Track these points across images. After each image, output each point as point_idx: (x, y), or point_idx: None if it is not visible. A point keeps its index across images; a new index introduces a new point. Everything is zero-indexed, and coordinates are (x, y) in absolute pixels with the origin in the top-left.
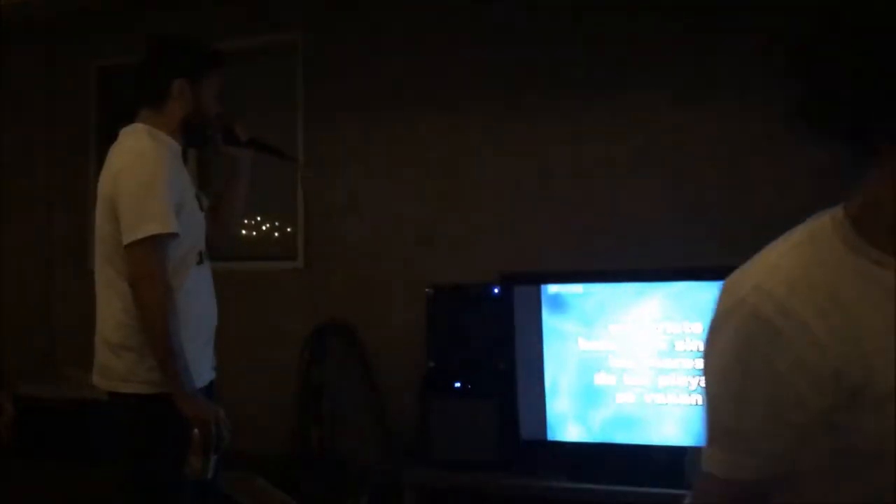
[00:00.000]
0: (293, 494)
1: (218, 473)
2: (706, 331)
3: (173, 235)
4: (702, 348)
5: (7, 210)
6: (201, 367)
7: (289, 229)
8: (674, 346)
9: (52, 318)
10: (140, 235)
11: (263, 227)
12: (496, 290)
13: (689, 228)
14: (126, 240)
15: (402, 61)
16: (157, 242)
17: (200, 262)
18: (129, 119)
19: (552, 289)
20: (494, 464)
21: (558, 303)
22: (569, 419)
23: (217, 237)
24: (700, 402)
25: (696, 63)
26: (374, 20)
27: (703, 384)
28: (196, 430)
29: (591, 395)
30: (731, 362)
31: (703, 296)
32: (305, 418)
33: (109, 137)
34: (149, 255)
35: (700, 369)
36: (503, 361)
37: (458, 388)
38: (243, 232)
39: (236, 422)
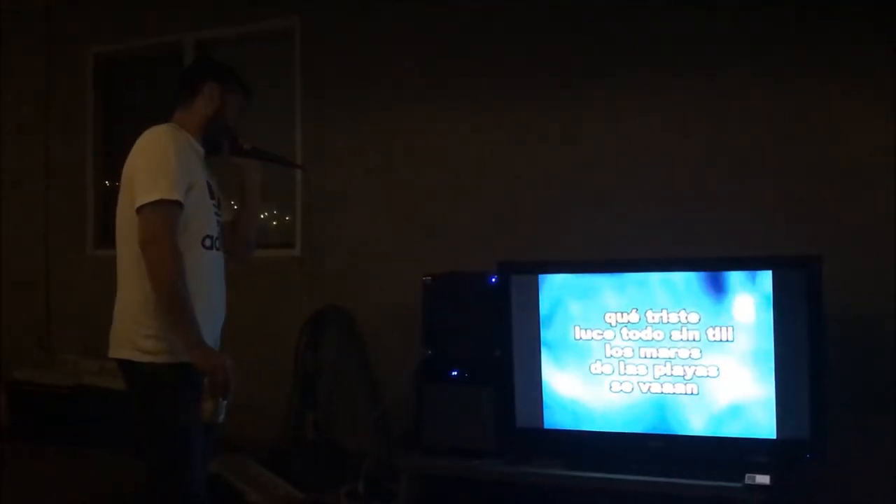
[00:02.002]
0: (288, 479)
1: (210, 454)
2: None
3: (178, 204)
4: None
5: (4, 195)
6: None
7: (287, 217)
8: (670, 335)
9: (49, 303)
10: (146, 200)
11: (262, 216)
12: (493, 279)
13: (686, 218)
14: (136, 206)
15: (401, 50)
16: (163, 207)
17: (210, 248)
18: (126, 105)
19: (549, 278)
20: (490, 451)
21: (555, 292)
22: (564, 407)
23: (238, 247)
24: (695, 391)
25: (696, 53)
26: (372, 7)
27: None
28: (206, 378)
29: (587, 384)
30: None
31: (700, 285)
32: (301, 404)
33: (106, 123)
34: (154, 218)
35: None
36: (499, 349)
37: (454, 375)
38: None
39: (232, 407)
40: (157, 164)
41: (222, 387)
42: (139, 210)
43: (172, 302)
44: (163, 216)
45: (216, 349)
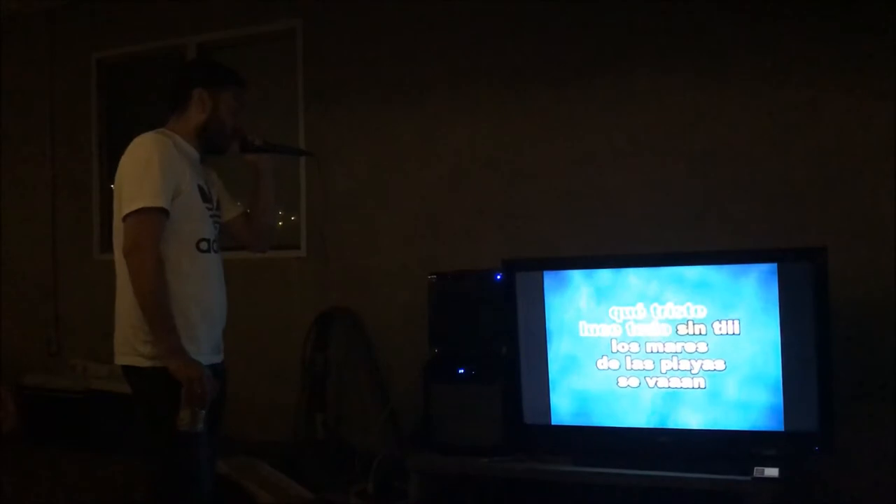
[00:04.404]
0: (298, 480)
1: (215, 456)
2: None
3: (163, 211)
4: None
5: (11, 200)
6: (201, 349)
7: (292, 218)
8: (676, 329)
9: (57, 308)
10: (130, 209)
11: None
12: (499, 277)
13: (691, 213)
14: (121, 215)
15: (403, 48)
16: (145, 215)
17: (206, 251)
18: (131, 109)
19: (554, 274)
20: (498, 448)
21: (560, 288)
22: (572, 404)
23: (254, 238)
24: (702, 385)
25: (699, 48)
26: (373, 7)
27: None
28: (183, 387)
29: (593, 380)
30: None
31: (705, 279)
32: (310, 404)
33: (110, 127)
34: (137, 226)
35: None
36: (506, 347)
37: (461, 373)
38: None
39: (241, 408)
40: (140, 172)
41: (199, 397)
42: (124, 218)
43: (152, 309)
44: (145, 224)
45: (217, 353)
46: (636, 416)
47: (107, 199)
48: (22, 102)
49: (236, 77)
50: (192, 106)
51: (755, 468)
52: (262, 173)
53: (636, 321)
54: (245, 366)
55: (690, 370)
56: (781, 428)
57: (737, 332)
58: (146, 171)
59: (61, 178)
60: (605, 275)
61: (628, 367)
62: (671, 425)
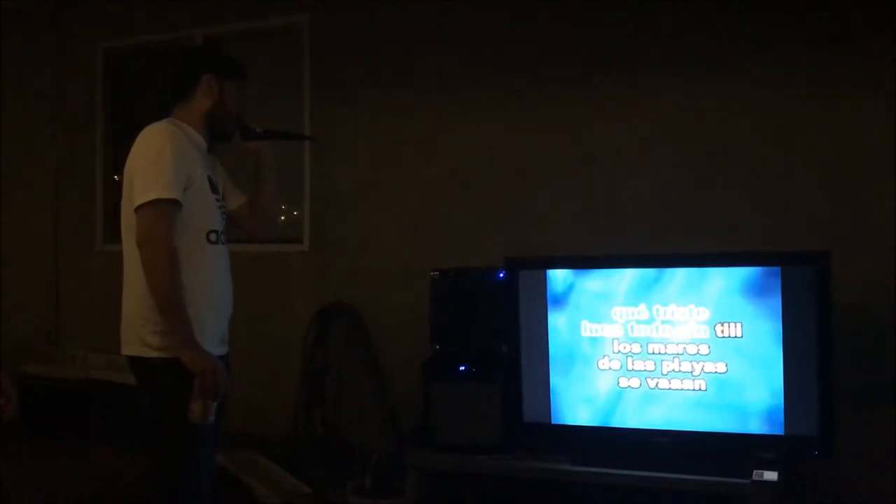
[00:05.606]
0: (296, 475)
1: (215, 450)
2: None
3: (176, 203)
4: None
5: (14, 190)
6: (208, 340)
7: (295, 212)
8: (678, 331)
9: (58, 298)
10: (143, 200)
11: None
12: (501, 275)
13: (694, 214)
14: (134, 206)
15: (409, 46)
16: (159, 206)
17: (215, 242)
18: (136, 100)
19: (557, 273)
20: (497, 447)
21: (563, 287)
22: (572, 403)
23: (258, 227)
24: (703, 387)
25: (699, 48)
26: (378, 5)
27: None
28: (196, 379)
29: (594, 379)
30: None
31: (707, 281)
32: (309, 399)
33: (115, 118)
34: (150, 218)
35: (704, 355)
36: (507, 345)
37: (461, 371)
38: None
39: (240, 402)
40: (152, 163)
41: (212, 389)
42: (137, 210)
43: (166, 301)
44: (158, 215)
45: (223, 345)
46: (636, 417)
47: (110, 189)
48: (26, 91)
49: (240, 67)
50: (199, 92)
51: (754, 471)
52: (263, 163)
53: (638, 322)
54: (245, 360)
55: (692, 372)
56: (781, 431)
57: (739, 334)
58: (158, 162)
59: (65, 168)
60: (607, 275)
61: (629, 367)
62: (671, 427)
